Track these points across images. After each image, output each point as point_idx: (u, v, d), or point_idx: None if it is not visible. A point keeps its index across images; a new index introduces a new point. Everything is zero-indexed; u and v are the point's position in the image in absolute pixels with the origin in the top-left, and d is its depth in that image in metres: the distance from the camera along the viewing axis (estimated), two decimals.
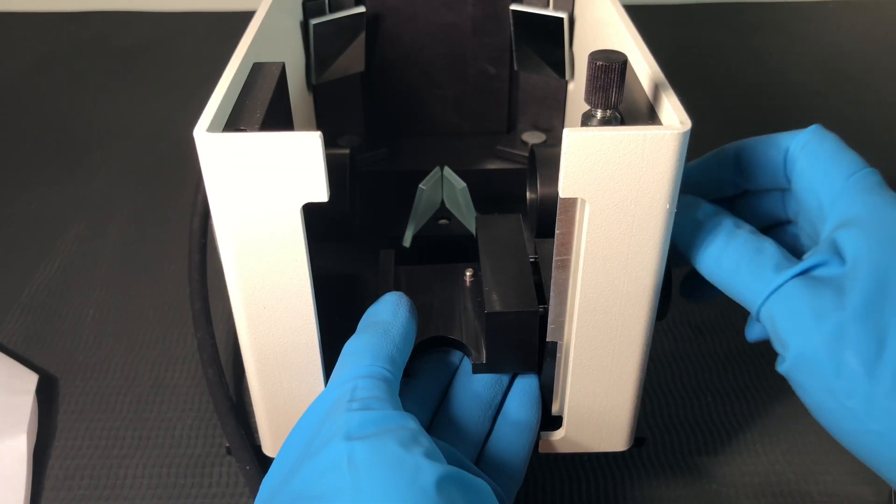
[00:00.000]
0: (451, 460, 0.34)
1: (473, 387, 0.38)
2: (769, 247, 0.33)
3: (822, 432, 0.47)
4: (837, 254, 0.31)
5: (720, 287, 0.34)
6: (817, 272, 0.31)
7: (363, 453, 0.28)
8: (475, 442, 0.36)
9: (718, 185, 0.38)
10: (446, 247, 0.48)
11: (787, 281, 0.31)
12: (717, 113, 0.80)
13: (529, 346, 0.36)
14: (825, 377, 0.30)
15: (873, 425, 0.29)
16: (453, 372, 0.39)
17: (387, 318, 0.35)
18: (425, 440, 0.30)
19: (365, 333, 0.34)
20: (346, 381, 0.31)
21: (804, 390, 0.32)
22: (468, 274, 0.41)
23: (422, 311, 0.38)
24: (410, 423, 0.30)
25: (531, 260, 0.39)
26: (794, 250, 0.37)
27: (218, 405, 0.43)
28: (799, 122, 0.82)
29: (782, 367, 0.32)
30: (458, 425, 0.36)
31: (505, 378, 0.38)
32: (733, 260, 0.33)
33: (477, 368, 0.37)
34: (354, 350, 0.33)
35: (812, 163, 0.34)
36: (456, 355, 0.39)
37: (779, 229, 0.39)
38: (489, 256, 0.39)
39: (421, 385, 0.38)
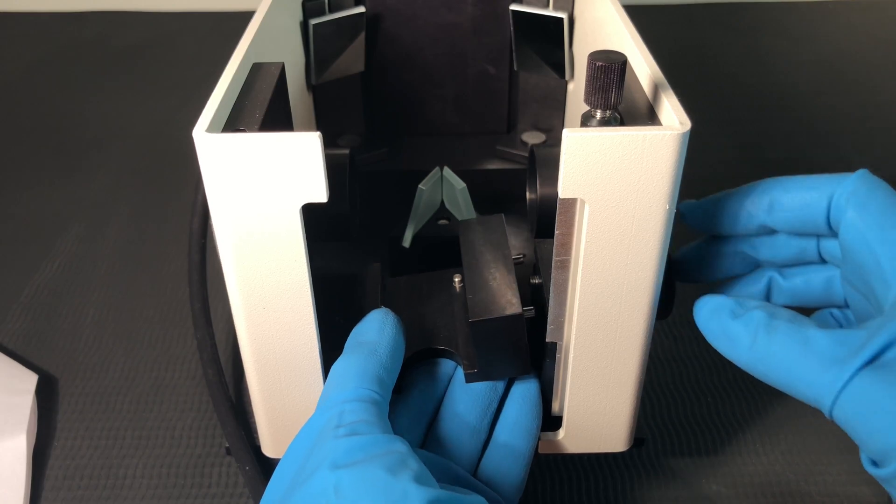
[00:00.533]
0: (446, 475, 0.33)
1: (468, 396, 0.37)
2: (816, 335, 0.29)
3: (822, 432, 0.47)
4: None
5: (777, 387, 0.31)
6: (889, 355, 0.27)
7: (349, 482, 0.27)
8: (473, 453, 0.36)
9: (747, 220, 0.35)
10: (446, 247, 0.48)
11: (854, 375, 0.27)
12: (717, 113, 0.80)
13: (518, 350, 0.36)
14: None
15: None
16: (447, 382, 0.38)
17: (373, 338, 0.34)
18: (414, 463, 0.29)
19: (351, 354, 0.34)
20: (333, 406, 0.31)
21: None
22: (457, 280, 0.40)
23: (412, 321, 0.38)
24: (399, 447, 0.29)
25: (515, 259, 0.38)
26: (829, 295, 0.35)
27: (218, 405, 0.43)
28: (799, 123, 0.83)
29: (876, 473, 0.28)
30: (453, 438, 0.36)
31: (500, 384, 0.38)
32: (781, 359, 0.29)
33: (470, 377, 0.36)
34: (341, 372, 0.33)
35: (863, 215, 0.31)
36: (449, 365, 0.38)
37: (807, 270, 0.36)
38: (471, 262, 0.38)
39: (413, 400, 0.37)
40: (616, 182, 0.30)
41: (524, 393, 0.37)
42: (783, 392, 0.30)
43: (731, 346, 0.32)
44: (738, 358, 0.31)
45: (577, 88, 0.51)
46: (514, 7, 0.50)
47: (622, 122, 0.33)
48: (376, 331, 0.34)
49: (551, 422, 0.39)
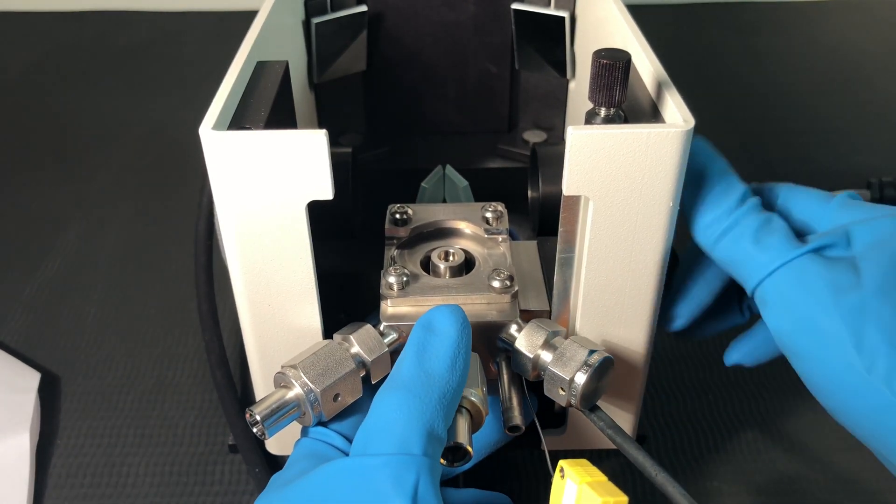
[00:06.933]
0: None
1: None
2: (777, 220, 0.33)
3: (823, 430, 0.47)
4: (845, 238, 0.32)
5: (718, 256, 0.33)
6: (828, 252, 0.32)
7: None
8: None
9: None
10: None
11: (800, 255, 0.31)
12: (718, 112, 0.80)
13: None
14: (844, 351, 0.30)
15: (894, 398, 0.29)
16: None
17: (442, 372, 0.29)
18: None
19: (417, 393, 0.29)
20: (398, 460, 0.27)
21: (808, 361, 0.31)
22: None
23: None
24: None
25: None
26: None
27: (227, 407, 0.42)
28: (799, 123, 0.82)
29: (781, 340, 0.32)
30: None
31: None
32: (738, 229, 0.32)
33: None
34: (404, 417, 0.28)
35: (793, 191, 0.35)
36: None
37: None
38: None
39: None
40: (620, 179, 0.30)
41: None
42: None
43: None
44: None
45: (578, 87, 0.51)
46: (515, 6, 0.50)
47: (626, 120, 0.33)
48: (447, 363, 0.30)
49: (554, 420, 0.39)
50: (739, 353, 0.38)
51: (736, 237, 0.32)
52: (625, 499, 0.27)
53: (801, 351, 0.32)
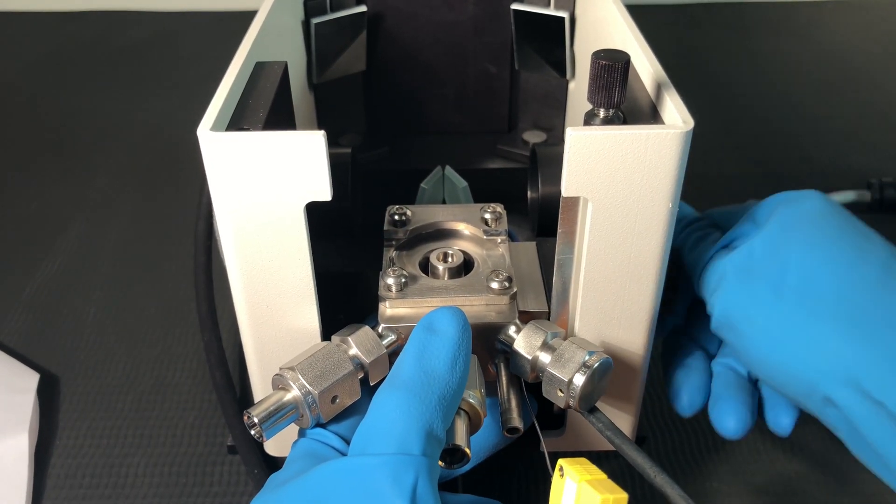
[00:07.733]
0: None
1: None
2: (713, 233, 0.40)
3: (823, 430, 0.47)
4: (754, 223, 0.37)
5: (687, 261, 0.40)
6: (736, 242, 0.38)
7: None
8: None
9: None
10: None
11: (715, 252, 0.38)
12: (717, 113, 0.80)
13: None
14: (757, 302, 0.35)
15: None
16: None
17: (443, 372, 0.29)
18: None
19: (416, 393, 0.28)
20: (397, 460, 0.27)
21: (736, 334, 0.36)
22: None
23: None
24: None
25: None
26: None
27: (226, 408, 0.42)
28: (798, 123, 0.82)
29: (714, 323, 0.37)
30: None
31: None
32: (690, 246, 0.40)
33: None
34: (403, 416, 0.28)
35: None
36: None
37: None
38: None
39: None
40: (619, 180, 0.30)
41: None
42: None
43: None
44: None
45: (577, 88, 0.51)
46: (515, 6, 0.50)
47: (625, 121, 0.33)
48: (448, 364, 0.30)
49: (553, 421, 0.39)
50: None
51: (688, 254, 0.40)
52: (624, 496, 0.28)
53: (724, 327, 0.37)
